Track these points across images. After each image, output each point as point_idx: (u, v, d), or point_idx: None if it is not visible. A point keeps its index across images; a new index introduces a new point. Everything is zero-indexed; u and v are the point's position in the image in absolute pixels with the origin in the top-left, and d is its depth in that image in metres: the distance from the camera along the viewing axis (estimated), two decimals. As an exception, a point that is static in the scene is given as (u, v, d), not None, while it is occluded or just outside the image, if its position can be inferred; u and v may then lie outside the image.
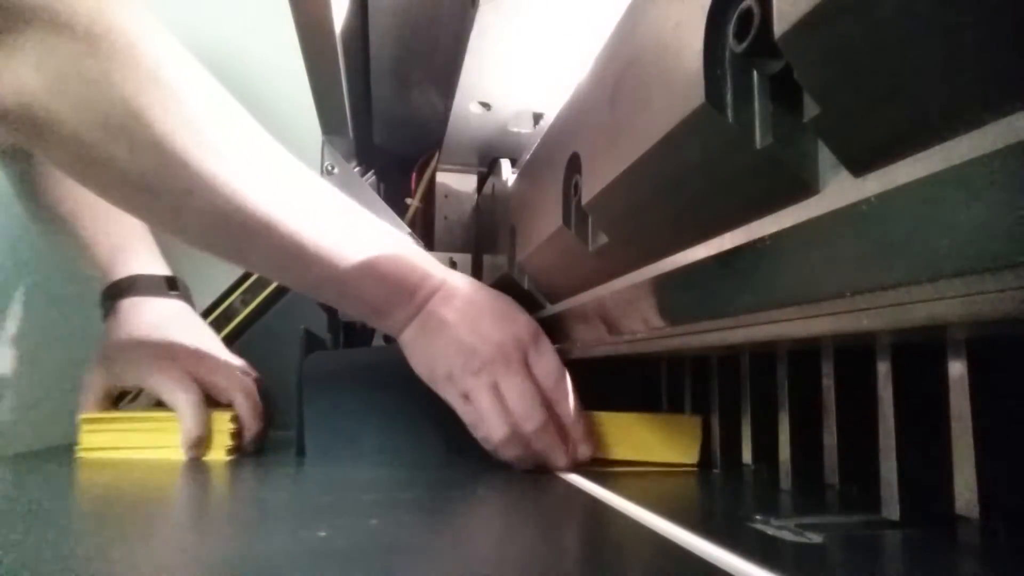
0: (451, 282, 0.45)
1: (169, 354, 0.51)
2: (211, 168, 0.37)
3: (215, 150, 0.37)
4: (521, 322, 0.44)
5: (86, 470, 0.44)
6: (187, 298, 0.59)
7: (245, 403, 0.50)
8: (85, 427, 0.49)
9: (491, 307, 0.45)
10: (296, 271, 0.43)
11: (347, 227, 0.42)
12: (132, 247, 0.58)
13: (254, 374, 0.55)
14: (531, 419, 0.41)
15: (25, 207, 0.63)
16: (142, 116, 0.34)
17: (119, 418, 0.50)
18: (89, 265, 0.58)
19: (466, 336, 0.43)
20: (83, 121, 0.34)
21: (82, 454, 0.48)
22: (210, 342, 0.55)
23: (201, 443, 0.47)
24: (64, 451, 0.50)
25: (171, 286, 0.57)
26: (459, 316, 0.43)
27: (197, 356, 0.52)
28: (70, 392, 0.77)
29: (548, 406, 0.42)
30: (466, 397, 0.43)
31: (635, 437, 0.44)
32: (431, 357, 0.44)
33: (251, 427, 0.50)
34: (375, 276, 0.43)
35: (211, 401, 0.49)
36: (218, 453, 0.48)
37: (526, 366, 0.42)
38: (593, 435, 0.43)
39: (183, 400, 0.48)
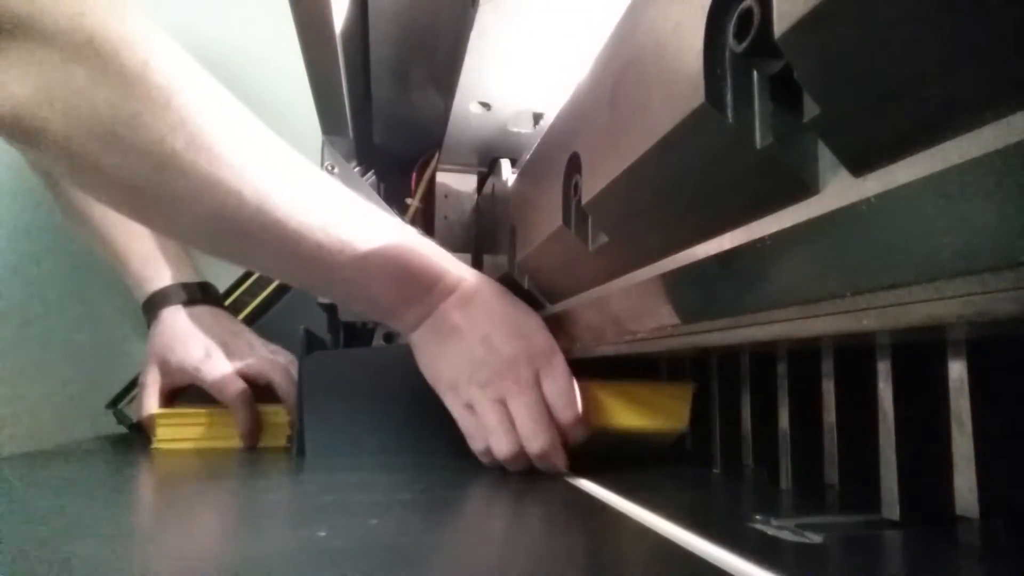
0: (468, 283, 0.44)
1: (214, 353, 0.57)
2: (208, 170, 0.36)
3: (212, 151, 0.36)
4: (537, 339, 0.42)
5: (134, 462, 0.48)
6: (218, 301, 0.64)
7: (283, 382, 0.56)
8: (160, 422, 0.56)
9: (508, 318, 0.43)
10: (302, 270, 0.42)
11: (356, 223, 0.41)
12: (164, 254, 0.62)
13: (288, 354, 0.60)
14: (538, 440, 0.40)
15: (60, 210, 0.66)
16: (130, 123, 0.34)
17: (188, 414, 0.57)
18: (122, 271, 0.62)
19: (477, 346, 0.41)
20: (72, 130, 0.33)
21: (159, 445, 0.55)
22: (246, 335, 0.61)
23: (254, 434, 0.55)
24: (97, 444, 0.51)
25: (203, 290, 0.62)
26: (472, 324, 0.42)
27: (237, 350, 0.58)
28: (74, 388, 0.77)
29: (555, 425, 0.41)
30: (469, 407, 0.42)
31: (626, 404, 0.44)
32: (439, 362, 0.43)
33: (291, 399, 0.55)
34: (385, 275, 0.42)
35: (256, 388, 0.56)
36: (279, 441, 0.55)
37: (537, 385, 0.41)
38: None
39: (233, 397, 0.55)
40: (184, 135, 0.35)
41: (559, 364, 0.42)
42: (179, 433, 0.56)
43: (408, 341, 0.45)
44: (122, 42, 0.34)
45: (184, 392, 0.59)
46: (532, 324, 0.43)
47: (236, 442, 0.55)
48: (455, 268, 0.44)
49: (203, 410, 0.57)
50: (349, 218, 0.41)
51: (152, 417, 0.57)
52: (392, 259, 0.41)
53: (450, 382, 0.43)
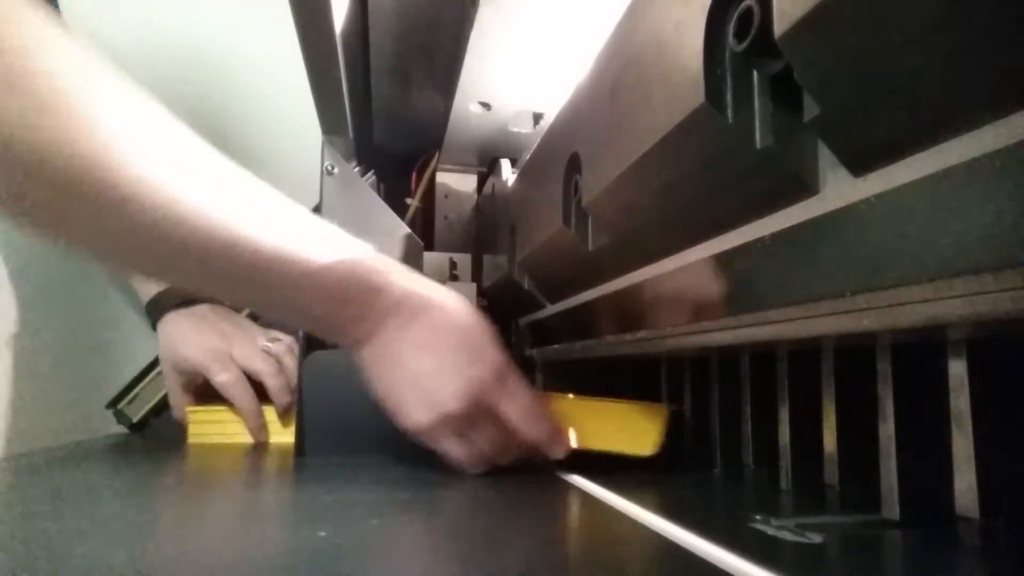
0: (415, 300, 0.40)
1: (217, 349, 0.59)
2: (124, 184, 0.32)
3: (125, 166, 0.32)
4: (487, 361, 0.39)
5: (133, 462, 0.46)
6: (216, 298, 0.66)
7: (274, 383, 0.58)
8: (191, 418, 0.59)
9: (456, 342, 0.40)
10: (231, 287, 0.38)
11: (287, 235, 0.37)
12: None
13: (288, 339, 0.62)
14: (505, 457, 0.40)
15: None
16: (24, 134, 0.30)
17: (218, 411, 0.59)
18: (125, 275, 0.65)
19: (425, 378, 0.39)
20: None
21: (192, 440, 0.58)
22: (245, 325, 0.63)
23: (260, 431, 0.58)
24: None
25: None
26: (416, 352, 0.39)
27: (237, 344, 0.60)
28: (74, 388, 0.77)
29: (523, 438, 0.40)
30: (429, 437, 0.40)
31: (592, 424, 0.42)
32: (387, 388, 0.40)
33: (281, 401, 0.58)
34: (317, 289, 0.38)
35: (257, 385, 0.59)
36: (290, 437, 0.55)
37: (495, 411, 0.39)
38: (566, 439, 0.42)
39: (239, 396, 0.58)
40: (92, 148, 0.31)
41: (515, 385, 0.40)
42: (209, 429, 0.59)
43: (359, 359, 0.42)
44: (17, 45, 0.30)
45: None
46: (481, 343, 0.40)
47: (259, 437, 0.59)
48: (402, 281, 0.40)
49: (230, 408, 0.60)
50: (280, 230, 0.37)
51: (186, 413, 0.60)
52: (327, 273, 0.38)
53: (402, 411, 0.40)
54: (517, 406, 0.39)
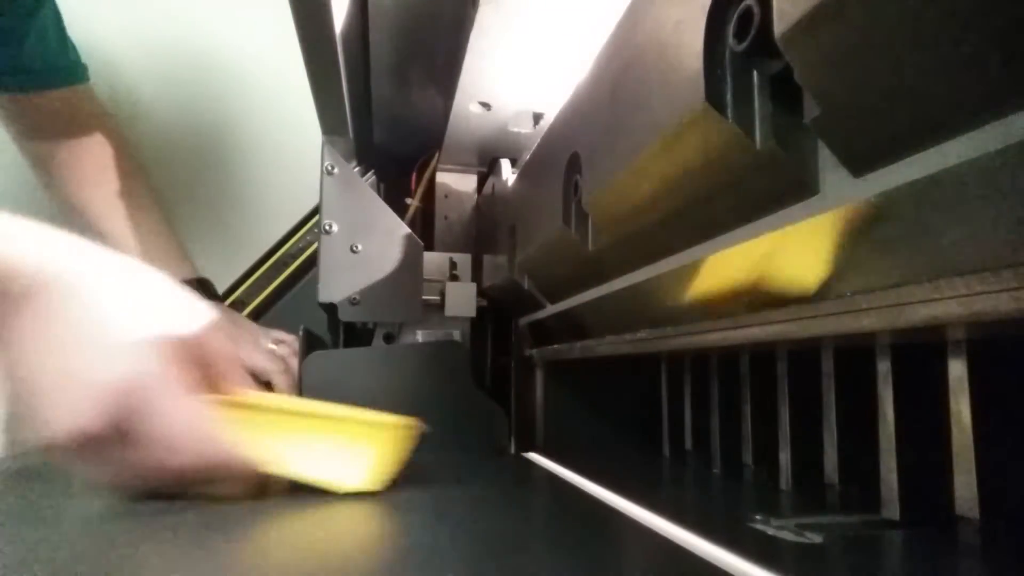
0: (53, 287, 0.29)
1: (221, 350, 0.58)
2: None
3: None
4: (126, 364, 0.29)
5: None
6: (216, 297, 0.67)
7: (283, 381, 0.60)
8: None
9: (76, 341, 0.29)
10: None
11: None
12: (160, 253, 0.63)
13: (289, 339, 0.63)
14: (168, 484, 0.31)
15: (57, 208, 0.67)
16: None
17: None
18: None
19: (45, 391, 0.29)
20: None
21: None
22: (249, 326, 0.64)
23: None
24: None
25: (201, 287, 0.65)
26: (31, 353, 0.29)
27: (240, 341, 0.60)
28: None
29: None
30: None
31: (293, 446, 0.33)
32: (11, 402, 0.30)
33: None
34: None
35: (258, 383, 0.60)
36: None
37: (143, 428, 0.29)
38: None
39: None
40: None
41: (172, 395, 0.30)
42: None
43: None
44: None
45: None
46: (125, 343, 0.30)
47: None
48: (45, 265, 0.30)
49: None
50: None
51: None
52: None
53: (32, 427, 0.30)
54: (171, 423, 0.30)
